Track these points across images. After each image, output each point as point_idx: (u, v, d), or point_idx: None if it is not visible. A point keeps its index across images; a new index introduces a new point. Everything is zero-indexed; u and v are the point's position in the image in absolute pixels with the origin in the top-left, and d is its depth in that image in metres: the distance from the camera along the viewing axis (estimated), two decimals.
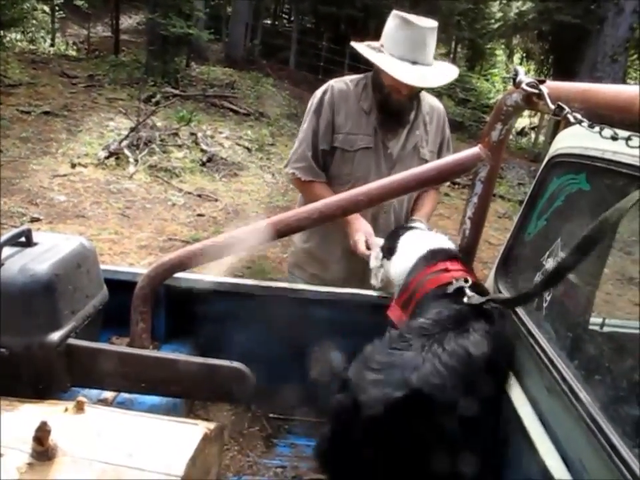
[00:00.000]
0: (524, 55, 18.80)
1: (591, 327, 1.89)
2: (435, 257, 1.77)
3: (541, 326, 1.59)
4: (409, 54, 2.14)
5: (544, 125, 15.41)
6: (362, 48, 2.27)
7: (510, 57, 20.12)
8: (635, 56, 15.82)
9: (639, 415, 1.24)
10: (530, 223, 1.83)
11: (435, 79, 2.18)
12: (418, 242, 1.89)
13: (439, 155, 2.45)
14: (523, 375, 1.62)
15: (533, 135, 16.87)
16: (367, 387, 1.38)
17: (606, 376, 1.38)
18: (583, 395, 1.27)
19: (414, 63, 2.14)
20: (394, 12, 2.20)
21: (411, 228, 2.02)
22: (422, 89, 2.30)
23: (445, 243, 1.86)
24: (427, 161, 2.29)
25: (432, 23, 2.16)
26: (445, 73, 2.23)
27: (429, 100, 2.46)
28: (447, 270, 1.69)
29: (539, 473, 1.34)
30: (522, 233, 1.87)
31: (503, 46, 19.62)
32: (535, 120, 17.05)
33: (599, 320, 2.04)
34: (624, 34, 12.91)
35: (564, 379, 1.35)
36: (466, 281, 1.62)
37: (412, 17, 2.14)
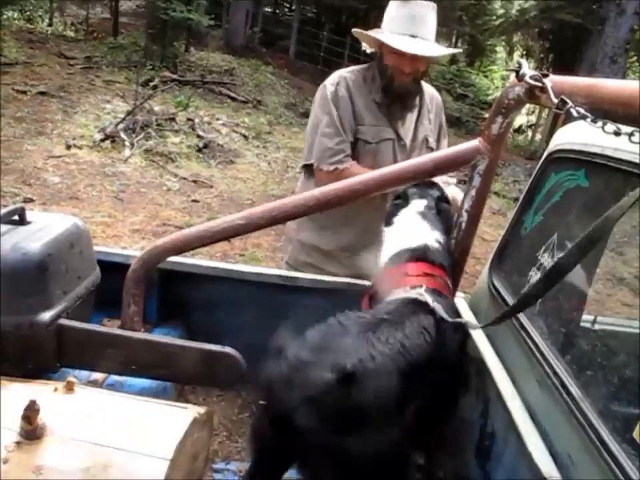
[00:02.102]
0: (524, 52, 18.76)
1: (582, 325, 1.90)
2: (401, 257, 1.77)
3: (534, 321, 1.59)
4: (408, 28, 2.17)
5: (541, 123, 15.43)
6: (362, 32, 2.29)
7: (510, 54, 20.07)
8: (635, 58, 15.83)
9: (628, 411, 1.24)
10: (526, 218, 1.83)
11: (435, 49, 2.23)
12: (396, 236, 1.88)
13: (438, 142, 2.47)
14: (514, 369, 1.62)
15: (529, 133, 16.88)
16: (302, 367, 1.37)
17: (597, 372, 1.39)
18: (574, 389, 1.28)
19: (413, 36, 2.17)
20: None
21: (408, 201, 1.95)
22: (423, 75, 2.33)
23: (422, 237, 1.82)
24: (433, 151, 2.32)
25: (429, 2, 2.21)
26: (446, 48, 2.31)
27: (427, 89, 2.47)
28: (406, 274, 1.69)
29: (527, 466, 1.34)
30: (518, 227, 1.87)
31: (503, 43, 19.58)
32: (533, 118, 17.06)
33: (591, 318, 2.05)
34: (624, 35, 12.91)
35: (555, 374, 1.35)
36: (420, 286, 1.61)
37: None
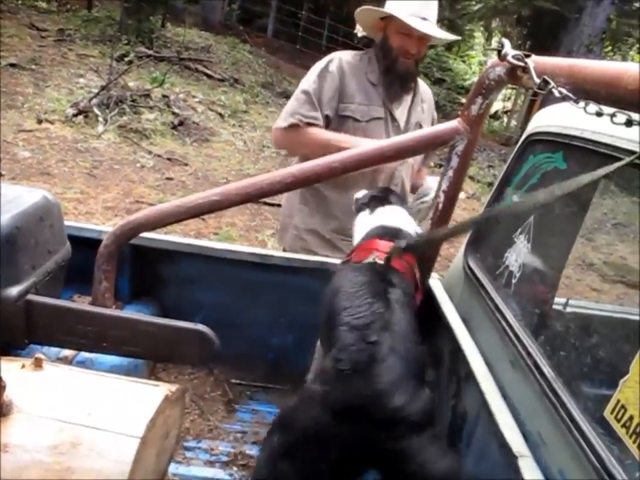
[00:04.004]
0: (502, 38, 18.82)
1: (555, 307, 1.92)
2: (376, 232, 1.80)
3: (508, 302, 1.60)
4: (419, 11, 2.22)
5: (517, 110, 15.55)
6: (372, 8, 2.32)
7: (488, 39, 20.13)
8: (610, 48, 16.01)
9: (599, 391, 1.26)
10: (503, 200, 1.83)
11: (446, 33, 2.36)
12: (374, 218, 1.90)
13: None
14: (487, 350, 1.63)
15: (505, 119, 17.01)
16: None
17: (569, 353, 1.40)
18: (546, 370, 1.29)
19: (424, 19, 2.22)
20: None
21: (388, 201, 1.98)
22: (422, 58, 2.40)
23: (397, 221, 1.85)
24: None
25: None
26: (450, 34, 2.42)
27: (419, 82, 2.53)
28: (376, 249, 1.70)
29: (498, 445, 1.36)
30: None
31: (481, 28, 19.62)
32: (508, 104, 17.19)
33: (563, 300, 2.08)
34: (601, 24, 13.05)
35: (529, 354, 1.36)
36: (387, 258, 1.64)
37: None
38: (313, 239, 2.48)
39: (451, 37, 2.44)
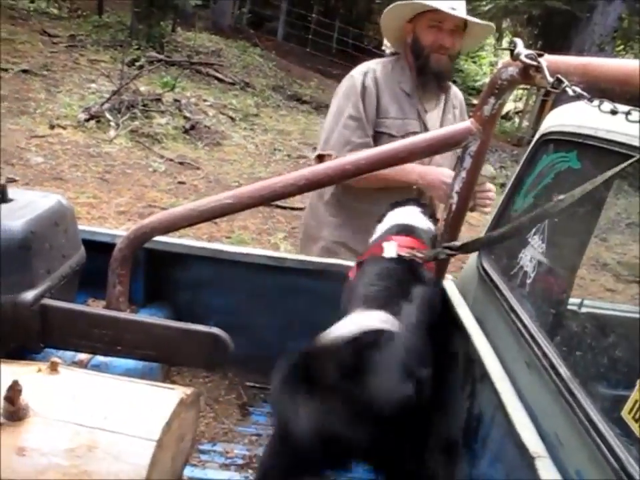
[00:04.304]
0: (513, 38, 18.72)
1: (569, 307, 1.91)
2: (392, 230, 1.82)
3: (523, 303, 1.59)
4: (448, 3, 2.17)
5: (528, 110, 15.47)
6: (401, 3, 2.25)
7: (499, 40, 20.04)
8: (622, 47, 15.89)
9: (616, 391, 1.25)
10: (517, 200, 1.83)
11: (479, 20, 2.28)
12: (388, 220, 1.92)
13: None
14: (502, 350, 1.62)
15: (517, 120, 16.93)
16: None
17: (585, 353, 1.39)
18: (563, 370, 1.28)
19: (453, 9, 2.18)
20: None
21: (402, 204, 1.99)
22: (456, 55, 2.35)
23: (413, 220, 1.87)
24: None
25: None
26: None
27: (451, 86, 2.47)
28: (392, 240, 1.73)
29: (514, 446, 1.35)
30: (508, 210, 1.87)
31: None
32: (520, 105, 17.11)
33: (578, 301, 2.06)
34: (612, 23, 12.95)
35: (545, 355, 1.35)
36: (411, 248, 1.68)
37: None
38: (344, 251, 2.41)
39: (485, 23, 2.34)
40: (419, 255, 1.64)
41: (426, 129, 2.29)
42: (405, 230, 1.80)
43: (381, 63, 2.37)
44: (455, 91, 2.49)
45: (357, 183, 2.08)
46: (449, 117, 2.40)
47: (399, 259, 1.63)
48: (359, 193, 2.29)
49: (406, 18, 2.27)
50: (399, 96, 2.29)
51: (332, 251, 2.45)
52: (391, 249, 1.66)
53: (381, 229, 1.89)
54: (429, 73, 2.25)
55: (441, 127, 2.34)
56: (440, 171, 2.18)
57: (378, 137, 2.27)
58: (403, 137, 2.19)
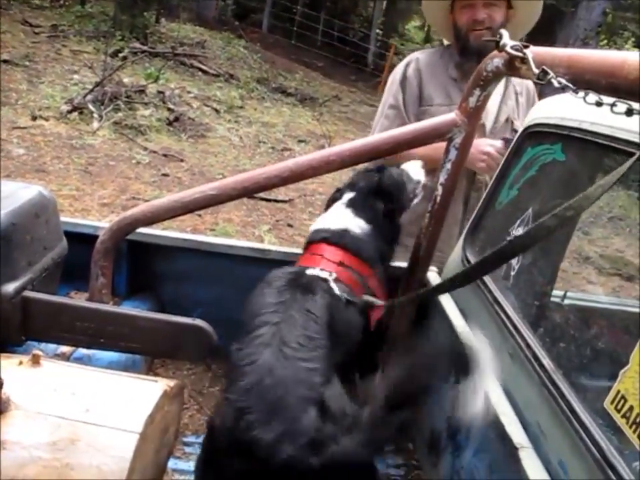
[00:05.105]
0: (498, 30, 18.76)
1: (553, 299, 1.93)
2: (319, 237, 1.81)
3: (507, 294, 1.60)
4: None
5: None
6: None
7: None
8: (605, 41, 16.01)
9: (599, 382, 1.26)
10: (501, 192, 1.83)
11: None
12: (323, 218, 1.92)
13: None
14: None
15: None
16: None
17: (568, 345, 1.40)
18: (546, 361, 1.28)
19: None
20: None
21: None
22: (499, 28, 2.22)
23: (344, 221, 1.83)
24: None
25: None
26: None
27: None
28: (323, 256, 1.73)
29: (498, 436, 1.36)
30: (492, 202, 1.88)
31: None
32: None
33: (561, 293, 2.08)
34: (597, 18, 13.03)
35: (528, 346, 1.36)
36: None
37: None
38: None
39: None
40: (377, 302, 1.68)
41: None
42: (337, 236, 1.78)
43: (428, 52, 2.38)
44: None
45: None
46: (508, 102, 2.32)
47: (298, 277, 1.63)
48: None
49: (445, 9, 2.26)
50: (445, 83, 2.27)
51: None
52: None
53: (316, 224, 1.89)
54: (470, 52, 2.19)
55: (498, 112, 2.29)
56: (478, 142, 2.07)
57: None
58: None
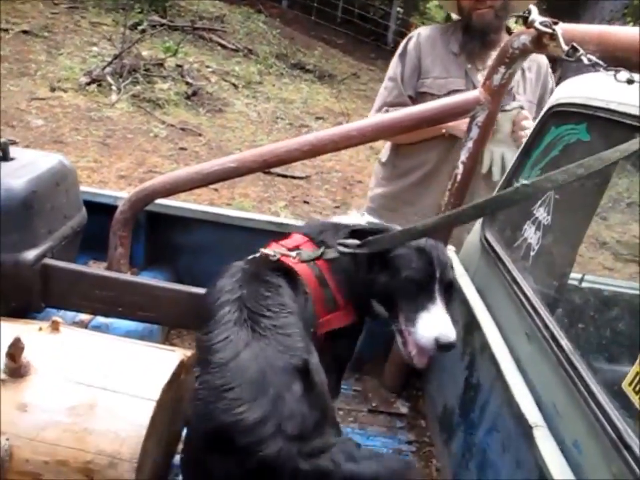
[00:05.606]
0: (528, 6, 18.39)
1: (570, 282, 1.91)
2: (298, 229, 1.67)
3: (526, 275, 1.59)
4: None
5: None
6: None
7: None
8: (631, 24, 15.64)
9: (615, 364, 1.26)
10: (523, 171, 1.81)
11: None
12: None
13: (539, 107, 2.28)
14: (503, 322, 1.62)
15: None
16: None
17: (587, 326, 1.39)
18: (564, 342, 1.28)
19: None
20: None
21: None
22: (502, 8, 2.22)
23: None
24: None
25: None
26: None
27: None
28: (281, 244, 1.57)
29: (512, 415, 1.36)
30: (514, 181, 1.85)
31: None
32: None
33: (578, 276, 2.07)
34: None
35: (546, 327, 1.35)
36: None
37: None
38: (400, 204, 2.42)
39: None
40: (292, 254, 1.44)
41: (474, 87, 2.18)
42: (317, 229, 1.59)
43: (432, 27, 2.42)
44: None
45: (397, 140, 2.28)
46: (515, 77, 2.20)
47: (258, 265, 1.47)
48: (406, 151, 2.34)
49: None
50: (444, 56, 2.29)
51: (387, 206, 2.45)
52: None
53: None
54: (473, 30, 2.23)
55: None
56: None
57: (421, 97, 2.28)
58: (445, 95, 2.18)
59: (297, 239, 1.55)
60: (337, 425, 1.22)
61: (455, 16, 2.43)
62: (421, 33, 2.35)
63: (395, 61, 2.36)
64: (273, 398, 1.11)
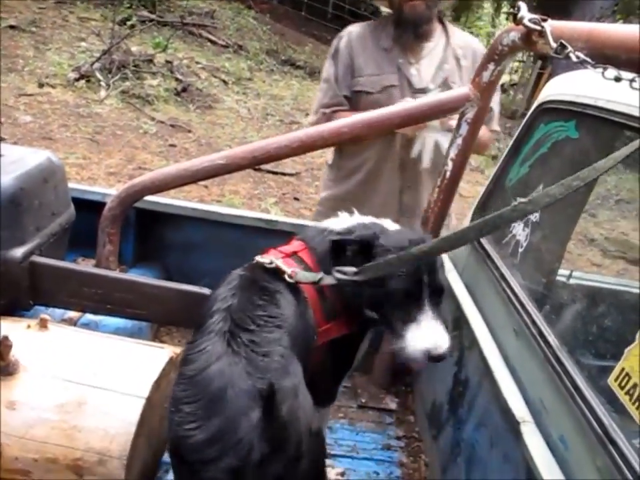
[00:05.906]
0: (510, 9, 18.48)
1: (559, 278, 1.93)
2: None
3: (514, 271, 1.60)
4: None
5: (523, 83, 15.35)
6: None
7: (497, 10, 19.77)
8: (621, 21, 15.72)
9: (603, 360, 1.27)
10: (512, 169, 1.82)
11: None
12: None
13: None
14: (491, 318, 1.63)
15: (512, 92, 16.81)
16: None
17: (574, 323, 1.41)
18: (551, 338, 1.29)
19: None
20: None
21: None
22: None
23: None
24: None
25: None
26: None
27: (463, 36, 2.39)
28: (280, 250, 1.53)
29: (500, 411, 1.37)
30: (502, 178, 1.86)
31: None
32: (515, 77, 16.96)
33: (567, 272, 2.08)
34: None
35: (533, 323, 1.36)
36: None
37: None
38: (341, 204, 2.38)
39: None
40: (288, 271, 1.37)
41: (409, 83, 2.24)
42: (315, 234, 1.54)
43: (362, 25, 2.38)
44: (468, 40, 2.38)
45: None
46: (445, 67, 2.29)
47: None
48: (348, 152, 2.32)
49: None
50: (375, 53, 2.28)
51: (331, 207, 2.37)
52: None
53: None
54: (405, 23, 2.21)
55: (436, 75, 2.27)
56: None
57: (356, 96, 2.27)
58: (379, 92, 2.22)
59: (295, 245, 1.53)
60: (301, 455, 1.13)
61: (385, 9, 2.42)
62: (352, 31, 2.33)
63: (327, 62, 2.34)
64: (226, 421, 1.07)
